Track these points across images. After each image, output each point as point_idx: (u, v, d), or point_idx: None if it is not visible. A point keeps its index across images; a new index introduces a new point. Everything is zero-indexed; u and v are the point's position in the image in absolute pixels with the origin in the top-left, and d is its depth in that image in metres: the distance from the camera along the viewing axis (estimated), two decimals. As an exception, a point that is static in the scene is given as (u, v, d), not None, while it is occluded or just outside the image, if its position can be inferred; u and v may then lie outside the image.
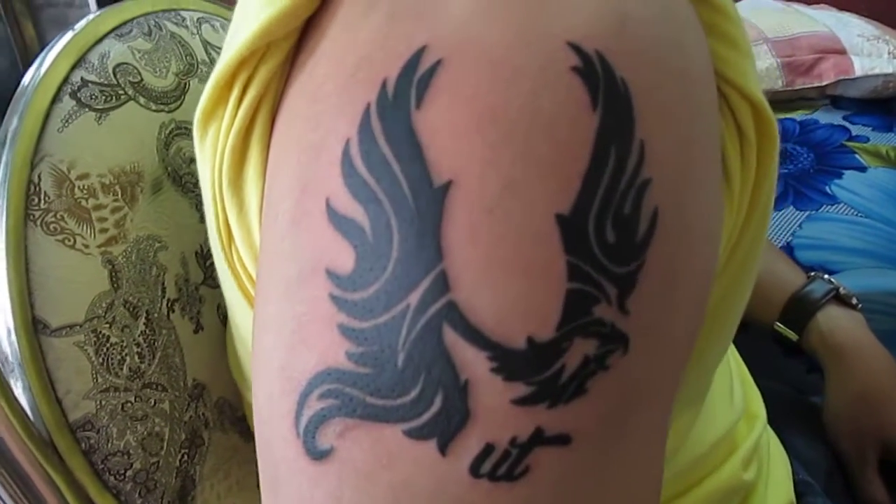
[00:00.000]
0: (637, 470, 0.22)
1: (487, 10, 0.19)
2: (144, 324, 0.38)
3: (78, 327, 0.35)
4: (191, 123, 0.42)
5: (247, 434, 0.45)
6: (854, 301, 0.62)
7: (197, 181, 0.42)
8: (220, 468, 0.42)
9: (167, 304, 0.39)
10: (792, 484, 0.52)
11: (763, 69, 0.92)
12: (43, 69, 0.36)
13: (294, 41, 0.23)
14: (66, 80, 0.37)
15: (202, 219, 0.42)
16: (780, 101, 0.96)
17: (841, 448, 0.60)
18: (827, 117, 0.91)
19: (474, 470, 0.19)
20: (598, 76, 0.19)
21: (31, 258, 0.34)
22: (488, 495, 0.19)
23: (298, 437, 0.21)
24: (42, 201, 0.34)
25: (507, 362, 0.19)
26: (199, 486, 0.41)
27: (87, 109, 0.37)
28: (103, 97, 0.37)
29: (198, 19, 0.46)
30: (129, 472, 0.37)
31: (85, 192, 0.36)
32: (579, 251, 0.19)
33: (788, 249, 0.72)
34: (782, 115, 0.93)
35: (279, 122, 0.23)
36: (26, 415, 0.33)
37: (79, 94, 0.37)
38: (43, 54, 0.37)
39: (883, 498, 0.57)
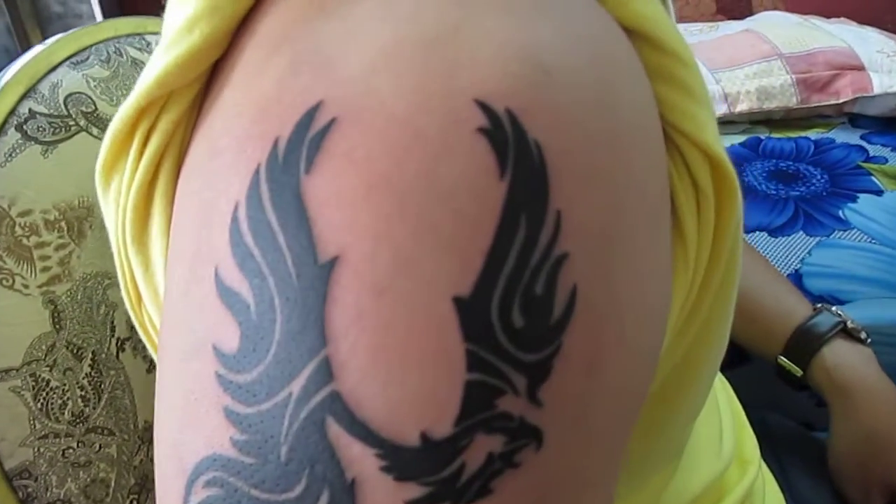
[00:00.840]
0: None
1: (389, 63, 0.17)
2: (90, 365, 0.36)
3: (14, 371, 0.33)
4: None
5: (207, 475, 0.43)
6: (863, 335, 0.59)
7: (156, 213, 0.40)
8: (175, 513, 0.40)
9: (116, 344, 0.37)
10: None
11: (777, 86, 0.89)
12: (-13, 101, 0.35)
13: (200, 87, 0.21)
14: (12, 111, 0.35)
15: (161, 252, 0.41)
16: (795, 118, 0.93)
17: (847, 492, 0.56)
18: (843, 136, 0.87)
19: None
20: (507, 138, 0.17)
21: (-35, 300, 0.32)
22: None
23: None
24: (-21, 240, 0.33)
25: (399, 460, 0.16)
26: (151, 533, 0.39)
27: (32, 143, 0.35)
28: (51, 129, 0.36)
29: (165, 44, 0.45)
30: (69, 523, 0.35)
31: (26, 229, 0.34)
32: (481, 338, 0.16)
33: (797, 277, 0.69)
34: (796, 134, 0.90)
35: (182, 176, 0.21)
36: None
37: (25, 127, 0.35)
38: (-10, 85, 0.36)
39: None
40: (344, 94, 0.17)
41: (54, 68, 0.38)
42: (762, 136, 0.89)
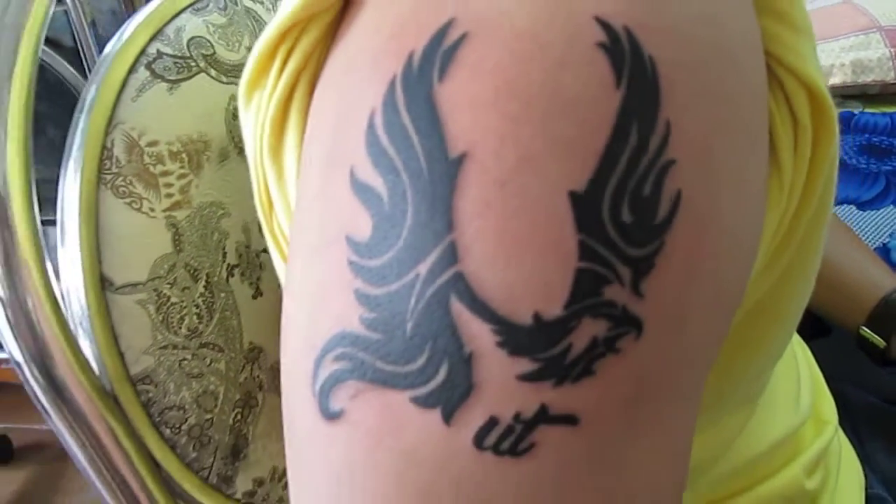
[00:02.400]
0: (653, 464, 0.21)
1: None
2: (204, 286, 0.39)
3: (140, 286, 0.37)
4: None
5: (300, 400, 0.46)
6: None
7: (263, 153, 0.43)
8: (272, 430, 0.44)
9: (227, 269, 0.41)
10: (863, 497, 0.49)
11: (875, 59, 0.86)
12: (122, 40, 0.38)
13: (335, 14, 0.24)
14: (143, 51, 0.39)
15: (267, 189, 0.44)
16: (892, 93, 0.90)
17: None
18: (943, 112, 0.84)
19: (478, 442, 0.19)
20: (623, 53, 0.18)
21: (100, 219, 0.36)
22: (493, 469, 0.19)
23: (314, 396, 0.21)
24: (114, 166, 0.36)
25: (513, 337, 0.18)
26: (252, 444, 0.42)
27: (159, 80, 0.38)
28: (176, 69, 0.39)
29: (274, -5, 0.47)
30: (184, 427, 0.38)
31: (153, 158, 0.37)
32: (592, 230, 0.18)
33: (884, 251, 0.68)
34: (892, 109, 0.87)
35: (317, 91, 0.24)
36: (91, 367, 0.35)
37: (153, 66, 0.38)
38: (124, 26, 0.39)
39: None
40: (473, 12, 0.19)
41: (178, 13, 0.41)
42: (855, 111, 0.87)
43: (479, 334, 0.18)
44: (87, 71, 1.19)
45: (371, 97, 0.20)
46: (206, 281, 0.39)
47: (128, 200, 0.36)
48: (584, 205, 0.18)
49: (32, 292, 0.32)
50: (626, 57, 0.18)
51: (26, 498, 1.52)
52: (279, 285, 0.44)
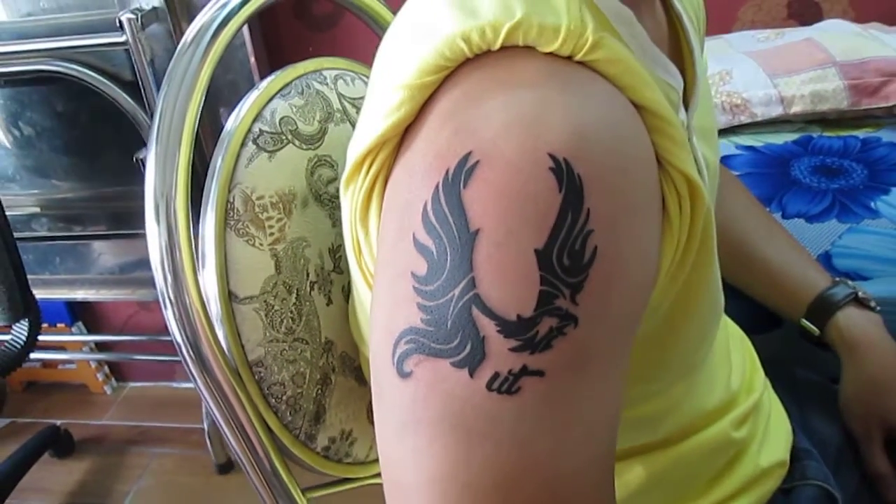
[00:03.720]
0: (595, 398, 0.36)
1: (505, 132, 0.34)
2: (295, 298, 0.55)
3: (255, 298, 0.52)
4: (329, 157, 0.59)
5: (360, 379, 0.62)
6: (872, 304, 0.72)
7: (331, 198, 0.59)
8: (341, 402, 0.60)
9: (309, 285, 0.56)
10: (789, 448, 0.64)
11: (829, 90, 1.00)
12: (237, 123, 0.54)
13: (397, 141, 0.39)
14: (249, 130, 0.54)
15: (333, 224, 0.59)
16: (849, 119, 1.04)
17: (852, 427, 0.70)
18: (890, 135, 0.98)
19: (489, 386, 0.34)
20: (563, 173, 0.33)
21: (228, 251, 0.52)
22: (496, 402, 0.34)
23: (393, 364, 0.36)
24: (235, 214, 0.52)
25: (506, 327, 0.34)
26: (328, 413, 0.58)
27: (263, 151, 0.54)
28: (273, 142, 0.55)
29: (335, 76, 0.63)
30: (283, 397, 0.54)
31: (261, 208, 0.53)
32: (547, 269, 0.33)
33: (826, 257, 0.82)
34: (846, 133, 1.01)
35: (389, 187, 0.39)
36: (225, 352, 0.51)
37: (258, 141, 0.54)
38: (236, 112, 0.55)
39: (886, 470, 0.67)
40: (482, 148, 0.34)
41: (271, 99, 0.57)
42: (814, 135, 1.01)
43: (487, 326, 0.34)
44: (144, 102, 1.34)
45: (425, 193, 0.36)
46: (297, 294, 0.55)
47: (245, 238, 0.52)
48: (542, 255, 0.33)
49: (189, 296, 0.48)
50: (564, 175, 0.33)
51: (87, 487, 1.67)
52: (344, 297, 0.60)
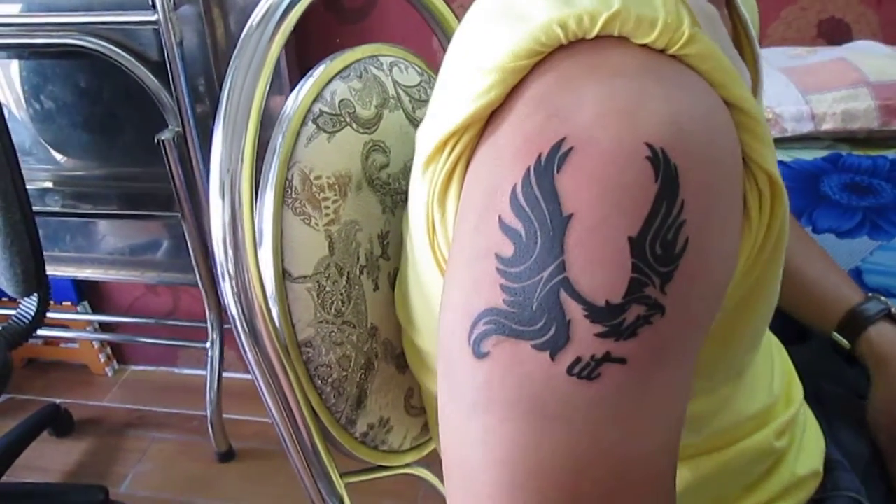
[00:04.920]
0: (668, 390, 0.36)
1: (601, 120, 0.34)
2: (346, 280, 0.55)
3: (308, 278, 0.52)
4: (383, 142, 0.59)
5: (401, 367, 0.61)
6: (898, 315, 0.72)
7: (382, 184, 0.59)
8: (381, 388, 0.59)
9: (359, 269, 0.56)
10: (822, 459, 0.64)
11: (861, 110, 1.01)
12: (298, 102, 0.54)
13: (482, 124, 0.39)
14: (309, 109, 0.54)
15: (384, 210, 0.59)
16: (877, 139, 1.04)
17: (879, 441, 0.71)
18: (919, 157, 0.99)
19: (569, 371, 0.34)
20: (660, 162, 0.33)
21: (284, 229, 0.52)
22: (575, 386, 0.34)
23: (469, 345, 0.36)
24: (293, 192, 0.52)
25: (593, 312, 0.34)
26: (369, 398, 0.58)
27: (322, 132, 0.54)
28: (332, 123, 0.55)
29: (390, 63, 0.63)
30: (330, 379, 0.54)
31: (318, 188, 0.53)
32: (639, 256, 0.33)
33: (857, 273, 0.82)
34: (875, 153, 1.01)
35: (472, 169, 0.39)
36: (277, 329, 0.50)
37: (318, 121, 0.54)
38: (297, 91, 0.55)
39: None
40: (577, 135, 0.34)
41: (331, 80, 0.57)
42: (843, 153, 1.02)
43: (574, 310, 0.34)
44: (171, 83, 1.33)
45: (513, 176, 0.36)
46: (347, 277, 0.55)
47: (302, 217, 0.52)
48: (635, 243, 0.33)
49: (248, 272, 0.48)
50: (661, 164, 0.33)
51: (86, 467, 1.66)
52: (390, 284, 0.60)
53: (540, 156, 0.35)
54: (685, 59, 0.37)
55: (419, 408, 0.65)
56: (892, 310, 0.72)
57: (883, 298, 0.73)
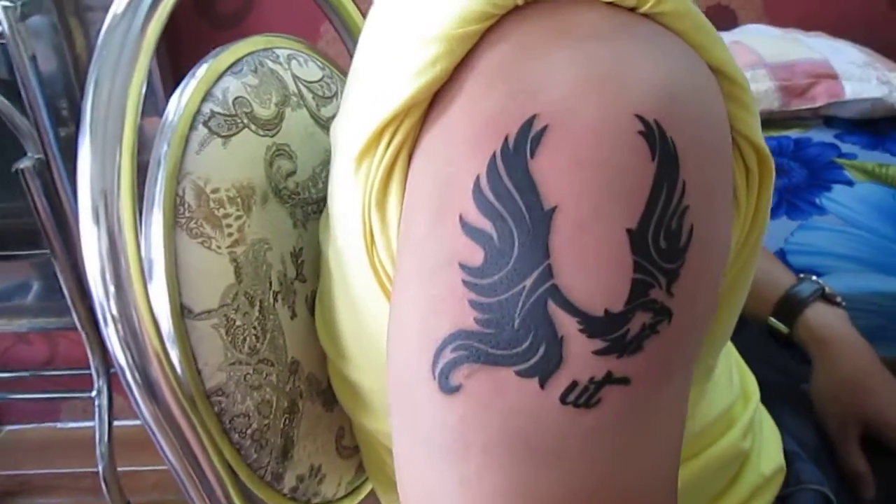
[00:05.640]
0: (672, 408, 0.30)
1: (579, 91, 0.28)
2: (259, 311, 0.46)
3: (213, 312, 0.43)
4: (287, 146, 0.51)
5: (328, 405, 0.53)
6: (838, 299, 0.71)
7: (291, 194, 0.51)
8: (310, 433, 0.51)
9: (273, 295, 0.48)
10: (782, 452, 0.61)
11: (761, 91, 1.01)
12: (182, 104, 0.45)
13: (426, 106, 0.32)
14: (198, 111, 0.45)
15: (295, 225, 0.51)
16: (777, 119, 1.05)
17: (827, 425, 0.68)
18: (819, 136, 1.00)
19: (563, 399, 0.28)
20: (655, 137, 0.27)
21: (178, 256, 0.42)
22: (571, 417, 0.28)
23: (434, 378, 0.29)
24: (186, 211, 0.43)
25: (590, 325, 0.27)
26: (296, 446, 0.49)
27: (215, 136, 0.45)
28: (227, 125, 0.46)
29: (287, 56, 0.55)
30: (249, 431, 0.45)
31: (217, 203, 0.44)
32: (642, 253, 0.27)
33: (781, 254, 0.81)
34: (778, 133, 1.02)
35: (416, 161, 0.32)
36: (179, 376, 0.41)
37: (209, 124, 0.45)
38: (180, 91, 0.46)
39: (863, 468, 0.65)
40: (551, 110, 0.28)
41: (220, 76, 0.48)
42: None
43: (567, 324, 0.27)
44: (26, 104, 1.19)
45: (475, 166, 0.29)
46: (260, 307, 0.46)
47: (200, 240, 0.43)
48: (635, 237, 0.27)
49: (137, 311, 0.39)
50: (656, 140, 0.28)
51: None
52: (308, 309, 0.52)
53: (507, 139, 0.28)
54: (658, 19, 0.31)
55: (352, 447, 0.57)
56: (826, 290, 0.70)
57: (814, 278, 0.72)
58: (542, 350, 0.28)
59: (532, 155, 0.28)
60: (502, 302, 0.28)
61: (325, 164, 0.55)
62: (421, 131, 0.32)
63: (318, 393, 0.52)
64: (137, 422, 0.42)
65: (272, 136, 0.50)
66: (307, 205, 0.52)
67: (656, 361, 0.29)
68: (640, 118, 0.28)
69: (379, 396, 0.45)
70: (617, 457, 0.29)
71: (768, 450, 0.60)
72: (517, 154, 0.28)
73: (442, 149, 0.31)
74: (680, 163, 0.28)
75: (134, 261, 0.38)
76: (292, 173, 0.51)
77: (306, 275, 0.52)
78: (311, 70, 0.57)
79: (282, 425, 0.48)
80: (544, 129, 0.28)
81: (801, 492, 0.60)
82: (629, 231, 0.27)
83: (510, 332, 0.28)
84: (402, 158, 0.33)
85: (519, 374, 0.28)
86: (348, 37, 0.65)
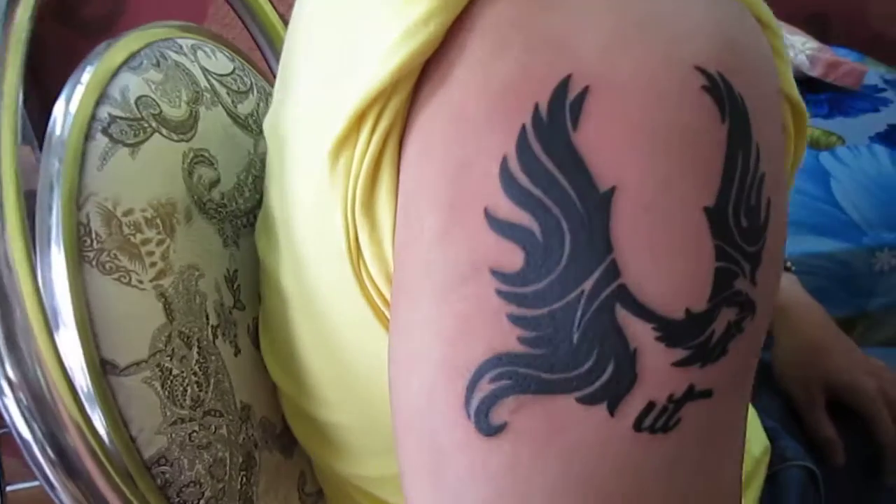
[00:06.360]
0: (742, 415, 0.26)
1: (621, 43, 0.22)
2: (197, 352, 0.38)
3: (144, 363, 0.35)
4: (206, 151, 0.43)
5: (286, 451, 0.45)
6: (788, 264, 0.70)
7: (218, 206, 0.42)
8: (270, 487, 0.43)
9: (212, 331, 0.39)
10: (764, 432, 0.58)
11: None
12: (72, 111, 0.36)
13: (415, 79, 0.25)
14: (93, 117, 0.37)
15: (226, 243, 0.43)
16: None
17: (793, 393, 0.67)
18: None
19: (637, 425, 0.22)
20: (722, 93, 0.22)
21: (91, 300, 0.34)
22: (647, 446, 0.22)
23: (469, 418, 0.23)
24: (94, 241, 0.34)
25: (669, 331, 0.22)
26: (257, 507, 0.41)
27: (120, 145, 0.37)
28: (132, 131, 0.37)
29: (192, 46, 0.46)
30: (201, 501, 0.37)
31: (132, 227, 0.36)
32: (723, 235, 0.22)
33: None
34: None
35: (411, 146, 0.25)
36: (109, 448, 0.33)
37: (110, 131, 0.36)
38: (67, 93, 0.37)
39: (831, 434, 0.64)
40: (588, 68, 0.22)
41: (115, 74, 0.39)
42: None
43: (641, 333, 0.22)
44: None
45: (498, 145, 0.23)
46: (199, 346, 0.38)
47: (116, 276, 0.34)
48: (715, 216, 0.22)
49: (46, 375, 0.30)
50: (724, 97, 0.22)
51: None
52: (251, 341, 0.44)
53: (537, 107, 0.22)
54: None
55: (315, 493, 0.49)
56: (782, 257, 0.69)
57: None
58: (610, 368, 0.22)
59: (574, 125, 0.22)
60: (555, 313, 0.22)
61: (249, 168, 0.47)
62: (412, 111, 0.26)
63: (274, 439, 0.44)
64: (34, 483, 0.33)
65: (188, 141, 0.41)
66: (236, 218, 0.44)
67: (739, 365, 0.24)
68: (702, 71, 0.22)
69: (361, 437, 0.38)
70: (693, 485, 0.24)
71: (753, 430, 0.57)
72: (554, 125, 0.22)
73: (448, 128, 0.24)
74: (751, 122, 0.23)
75: (33, 310, 0.29)
76: (216, 183, 0.43)
77: (244, 301, 0.44)
78: (221, 62, 0.49)
79: (239, 486, 0.40)
80: (584, 91, 0.22)
81: (787, 469, 0.58)
82: (706, 210, 0.22)
83: (567, 350, 0.22)
84: (390, 147, 0.26)
85: (581, 401, 0.22)
86: (251, 20, 0.57)
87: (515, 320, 0.22)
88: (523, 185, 0.22)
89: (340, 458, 0.40)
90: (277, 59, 0.65)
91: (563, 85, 0.22)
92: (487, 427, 0.23)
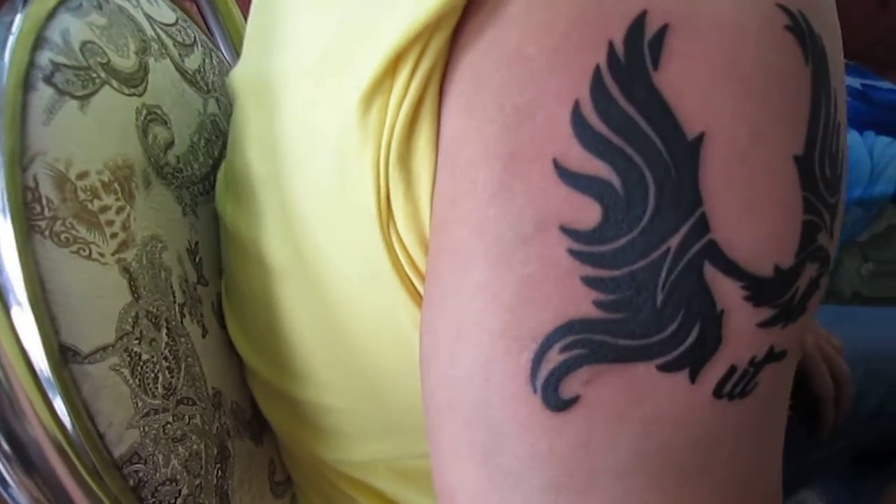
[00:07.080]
0: (790, 384, 0.25)
1: None
2: (167, 334, 0.34)
3: (111, 348, 0.30)
4: (159, 108, 0.38)
5: (256, 438, 0.42)
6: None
7: (174, 170, 0.38)
8: (244, 479, 0.39)
9: (178, 310, 0.35)
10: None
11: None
12: (6, 58, 0.30)
13: (457, 18, 0.22)
14: (32, 63, 0.31)
15: (185, 212, 0.38)
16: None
17: None
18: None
19: (717, 392, 0.21)
20: (804, 33, 0.21)
21: (46, 277, 0.29)
22: (724, 413, 0.21)
23: (535, 392, 0.21)
24: (45, 209, 0.29)
25: (757, 290, 0.20)
26: (232, 500, 0.38)
27: (67, 97, 0.31)
28: (80, 82, 0.32)
29: (132, -10, 0.41)
30: (178, 500, 0.33)
31: (88, 193, 0.31)
32: (811, 187, 0.20)
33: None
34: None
35: (454, 91, 0.22)
36: (78, 453, 0.28)
37: (54, 80, 0.31)
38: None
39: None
40: (664, 5, 0.20)
41: (53, 15, 0.34)
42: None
43: (729, 292, 0.20)
44: None
45: (568, 87, 0.20)
46: (167, 327, 0.34)
47: (74, 248, 0.30)
48: (804, 165, 0.20)
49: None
50: (806, 36, 0.21)
51: None
52: (217, 319, 0.39)
53: (612, 45, 0.20)
54: None
55: (284, 482, 0.45)
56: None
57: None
58: (695, 332, 0.20)
59: (655, 66, 0.20)
60: (636, 273, 0.20)
61: (200, 130, 0.42)
62: (454, 51, 0.23)
63: (245, 425, 0.41)
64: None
65: (139, 96, 0.36)
66: (192, 184, 0.40)
67: (807, 323, 0.22)
68: (784, 9, 0.20)
69: (355, 420, 0.34)
70: (759, 453, 0.23)
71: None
72: (633, 65, 0.20)
73: (502, 70, 0.21)
74: (829, 66, 0.21)
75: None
76: (171, 144, 0.38)
77: (207, 276, 0.39)
78: (164, 11, 0.43)
79: (215, 480, 0.36)
80: (664, 28, 0.20)
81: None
82: (797, 158, 0.20)
83: (649, 313, 0.20)
84: (431, 92, 0.23)
85: (662, 368, 0.20)
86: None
87: (590, 282, 0.20)
88: (600, 131, 0.20)
89: (325, 442, 0.37)
90: (214, 14, 0.60)
91: (640, 22, 0.20)
92: (557, 402, 0.21)
